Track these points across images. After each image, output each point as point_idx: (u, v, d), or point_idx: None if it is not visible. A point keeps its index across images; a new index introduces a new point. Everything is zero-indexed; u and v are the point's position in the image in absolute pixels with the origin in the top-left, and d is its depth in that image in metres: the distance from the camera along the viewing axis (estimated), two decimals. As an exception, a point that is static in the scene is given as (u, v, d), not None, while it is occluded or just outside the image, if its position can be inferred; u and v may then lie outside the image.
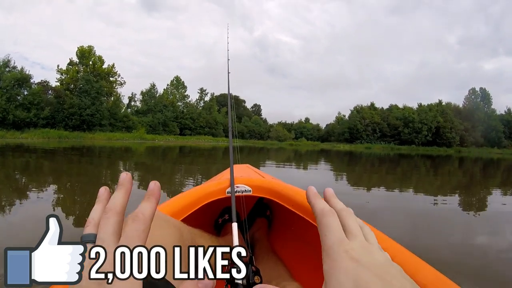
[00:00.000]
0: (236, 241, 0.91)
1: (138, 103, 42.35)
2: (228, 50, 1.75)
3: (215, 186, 1.18)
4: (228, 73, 1.67)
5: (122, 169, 7.13)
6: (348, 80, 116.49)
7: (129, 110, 40.97)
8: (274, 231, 1.48)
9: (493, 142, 46.52)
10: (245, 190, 1.19)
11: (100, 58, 35.96)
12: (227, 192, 1.17)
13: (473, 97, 50.51)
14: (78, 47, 35.01)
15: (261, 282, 0.81)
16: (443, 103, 49.17)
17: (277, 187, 1.19)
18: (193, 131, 40.79)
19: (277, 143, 46.78)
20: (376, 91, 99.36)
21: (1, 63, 28.06)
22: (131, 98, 42.97)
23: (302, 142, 48.19)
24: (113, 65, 37.04)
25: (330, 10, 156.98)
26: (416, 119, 45.53)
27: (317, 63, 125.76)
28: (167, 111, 38.55)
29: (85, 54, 34.78)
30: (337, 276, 0.31)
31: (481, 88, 50.79)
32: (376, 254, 0.34)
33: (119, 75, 38.50)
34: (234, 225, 0.97)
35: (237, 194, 1.17)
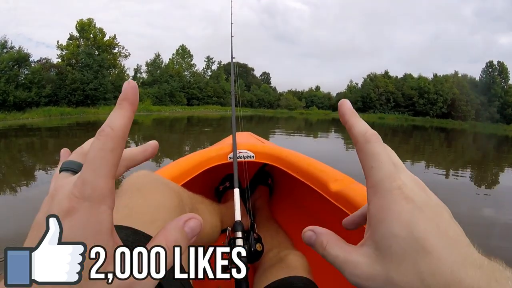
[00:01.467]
0: (237, 207, 0.91)
1: (144, 75, 42.04)
2: (231, 14, 1.72)
3: (216, 151, 1.16)
4: (232, 36, 1.65)
5: (130, 143, 7.24)
6: (358, 49, 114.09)
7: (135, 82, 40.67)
8: (275, 199, 1.48)
9: (509, 119, 45.25)
10: (248, 156, 1.18)
11: (101, 30, 35.20)
12: (229, 157, 1.15)
13: (490, 70, 48.72)
14: (77, 21, 34.21)
15: (263, 250, 0.85)
16: (459, 75, 47.62)
17: (280, 153, 1.18)
18: (201, 101, 40.61)
19: (287, 111, 46.44)
20: (388, 61, 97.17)
21: None
22: (136, 70, 42.62)
23: (313, 111, 47.74)
24: (115, 36, 36.20)
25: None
26: (432, 89, 44.29)
27: (327, 30, 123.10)
28: (173, 81, 38.24)
29: (84, 27, 34.06)
30: (389, 222, 0.25)
31: (498, 62, 48.78)
32: (428, 191, 0.29)
33: (123, 47, 38.01)
34: (236, 191, 0.97)
35: (239, 160, 1.15)
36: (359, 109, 46.15)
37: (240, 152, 1.16)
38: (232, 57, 1.70)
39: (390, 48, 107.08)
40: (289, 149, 1.24)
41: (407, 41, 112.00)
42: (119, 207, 0.56)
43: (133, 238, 0.50)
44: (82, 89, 29.57)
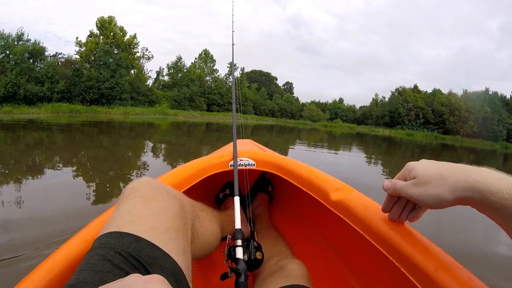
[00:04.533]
0: (238, 215, 0.93)
1: (166, 78, 42.76)
2: (233, 22, 1.76)
3: (217, 159, 1.18)
4: (233, 44, 1.69)
5: (148, 146, 7.36)
6: (382, 61, 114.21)
7: (156, 85, 41.43)
8: (275, 207, 1.50)
9: (544, 141, 43.43)
10: (249, 164, 1.20)
11: (121, 29, 35.32)
12: (230, 165, 1.17)
13: (523, 88, 46.77)
14: (98, 18, 34.34)
15: (262, 258, 0.87)
16: (490, 92, 46.13)
17: (281, 161, 1.20)
18: (221, 107, 40.92)
19: (310, 123, 46.23)
20: (412, 75, 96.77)
21: (14, 37, 27.65)
22: (159, 73, 43.42)
23: (337, 124, 47.34)
24: (135, 35, 36.51)
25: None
26: (463, 107, 43.35)
27: (351, 42, 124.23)
28: (194, 86, 38.72)
29: (105, 24, 34.19)
30: (426, 169, 0.58)
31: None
32: (440, 162, 0.58)
33: (146, 49, 38.85)
34: (236, 200, 0.99)
35: (240, 167, 1.18)
36: (386, 124, 45.50)
37: (241, 160, 1.19)
38: (233, 65, 1.75)
39: (414, 62, 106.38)
40: (292, 158, 1.25)
41: (431, 55, 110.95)
42: (122, 214, 0.58)
43: (135, 245, 0.51)
44: (97, 87, 29.57)
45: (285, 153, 7.51)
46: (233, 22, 1.76)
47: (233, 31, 1.72)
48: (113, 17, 34.74)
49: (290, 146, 9.29)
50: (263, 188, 1.48)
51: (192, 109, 36.83)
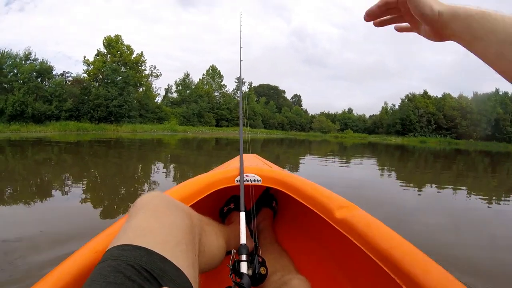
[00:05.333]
0: (243, 231, 0.94)
1: (174, 95, 43.21)
2: (241, 38, 1.79)
3: (224, 174, 1.21)
4: (241, 60, 1.73)
5: (157, 164, 7.41)
6: (388, 70, 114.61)
7: (165, 102, 41.89)
8: (279, 222, 1.51)
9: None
10: (255, 180, 1.22)
11: (128, 47, 35.77)
12: (236, 180, 1.19)
13: (534, 87, 45.99)
14: (105, 37, 34.79)
15: (266, 273, 0.88)
16: (500, 93, 45.15)
17: (287, 178, 1.22)
18: (230, 122, 41.12)
19: (320, 135, 46.12)
20: (419, 81, 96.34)
21: (22, 56, 28.19)
22: (167, 90, 43.97)
23: (348, 134, 47.11)
24: (142, 53, 36.94)
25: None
26: (475, 109, 42.76)
27: (356, 52, 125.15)
28: (202, 102, 39.04)
29: (112, 43, 34.63)
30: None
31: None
32: None
33: (154, 67, 39.41)
34: (242, 215, 1.00)
35: (246, 183, 1.19)
36: (398, 132, 45.13)
37: (247, 176, 1.21)
38: (240, 80, 1.77)
39: (420, 68, 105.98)
40: (298, 175, 1.28)
41: (437, 61, 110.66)
42: (133, 227, 0.60)
43: (147, 258, 0.53)
44: (105, 105, 29.85)
45: (296, 166, 7.50)
46: (241, 38, 1.79)
47: (241, 47, 1.75)
48: (120, 35, 35.29)
49: (301, 159, 9.27)
50: (267, 203, 1.49)
51: (201, 125, 37.05)
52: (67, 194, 3.63)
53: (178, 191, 1.07)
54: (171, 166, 6.60)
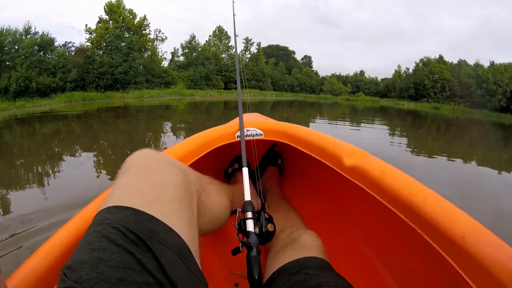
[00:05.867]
0: (247, 187, 0.90)
1: (181, 58, 42.52)
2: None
3: (223, 130, 1.14)
4: (234, 15, 1.67)
5: (167, 125, 7.44)
6: (403, 32, 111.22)
7: (172, 66, 41.18)
8: (286, 180, 1.47)
9: None
10: (256, 134, 1.16)
11: (131, 11, 34.72)
12: (237, 136, 1.13)
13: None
14: (106, 3, 33.65)
15: (274, 230, 0.85)
16: None
17: (291, 130, 1.15)
18: (244, 83, 40.56)
19: (331, 97, 45.53)
20: (435, 46, 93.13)
21: (21, 31, 27.52)
22: (174, 54, 43.21)
23: (359, 97, 46.38)
24: (145, 17, 35.84)
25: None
26: (491, 79, 41.39)
27: (370, 13, 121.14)
28: (210, 64, 38.51)
29: (113, 8, 33.59)
30: None
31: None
32: None
33: (159, 31, 38.64)
34: (245, 171, 0.95)
35: (247, 138, 1.13)
36: (411, 97, 44.35)
37: (248, 130, 1.15)
38: (235, 36, 1.71)
39: (437, 32, 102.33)
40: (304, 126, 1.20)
41: (454, 26, 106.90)
42: (120, 187, 0.56)
43: (134, 218, 0.49)
44: (110, 73, 29.41)
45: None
46: (234, 2, 1.73)
47: (233, 1, 1.70)
48: (121, 0, 34.23)
49: (311, 123, 9.22)
50: (272, 161, 1.45)
51: (209, 88, 36.72)
52: (78, 165, 3.68)
53: (175, 150, 1.00)
54: (181, 133, 6.62)
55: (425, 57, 46.35)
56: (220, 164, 1.38)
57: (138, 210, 0.50)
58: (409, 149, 5.70)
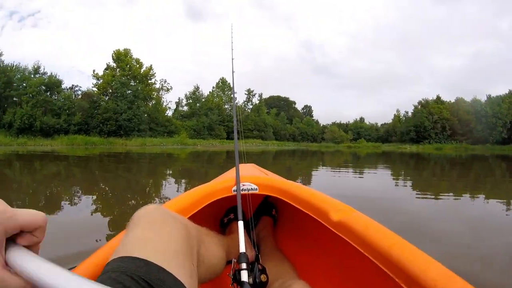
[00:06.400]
0: (242, 239, 0.96)
1: (185, 108, 43.46)
2: (232, 49, 1.85)
3: (221, 184, 1.23)
4: (233, 72, 1.77)
5: (168, 176, 7.45)
6: (398, 77, 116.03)
7: (175, 115, 42.13)
8: (279, 230, 1.53)
9: None
10: (252, 189, 1.25)
11: (137, 61, 35.97)
12: (233, 190, 1.22)
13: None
14: (114, 50, 34.99)
15: (267, 280, 0.89)
16: None
17: (284, 186, 1.24)
18: (240, 135, 41.01)
19: (333, 145, 45.89)
20: (430, 88, 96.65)
21: (30, 70, 28.67)
22: (178, 103, 44.33)
23: (361, 144, 46.75)
24: (151, 67, 37.17)
25: (374, 4, 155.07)
26: (489, 112, 42.01)
27: (364, 60, 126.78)
28: (213, 114, 39.23)
29: (121, 57, 34.81)
30: None
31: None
32: None
33: (165, 81, 39.87)
34: (240, 224, 1.02)
35: (243, 192, 1.22)
36: (412, 140, 44.68)
37: (243, 185, 1.24)
38: (233, 90, 1.82)
39: (431, 74, 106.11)
40: (295, 182, 1.30)
41: (447, 66, 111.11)
42: (131, 239, 0.62)
43: (145, 269, 0.54)
44: (115, 119, 29.95)
45: (308, 179, 7.46)
46: (232, 50, 1.86)
47: (232, 58, 1.81)
48: (129, 49, 35.49)
49: (314, 172, 9.24)
50: (267, 211, 1.51)
51: (212, 138, 37.14)
52: (77, 207, 3.67)
53: (176, 203, 1.10)
54: (183, 180, 6.63)
55: (423, 99, 47.38)
56: (216, 213, 1.46)
57: (149, 261, 0.55)
58: (415, 192, 5.67)
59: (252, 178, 1.28)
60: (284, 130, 49.64)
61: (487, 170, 10.88)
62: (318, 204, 1.07)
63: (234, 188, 1.21)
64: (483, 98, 45.83)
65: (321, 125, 57.95)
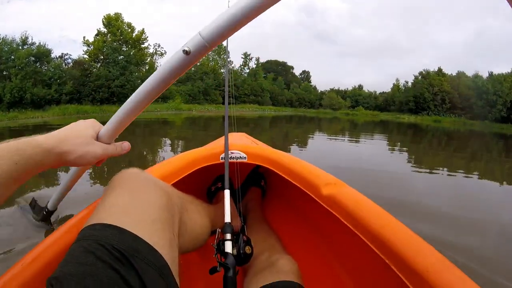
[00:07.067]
0: (228, 209, 0.95)
1: (180, 72, 42.79)
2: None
3: (208, 151, 1.21)
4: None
5: (165, 141, 7.44)
6: (399, 47, 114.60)
7: (170, 80, 41.45)
8: (268, 202, 1.51)
9: None
10: (240, 157, 1.23)
11: (129, 25, 34.79)
12: (221, 158, 1.20)
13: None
14: (104, 15, 33.79)
15: (252, 252, 0.88)
16: None
17: (273, 155, 1.22)
18: (237, 100, 40.89)
19: (330, 112, 45.81)
20: (431, 60, 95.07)
21: (18, 41, 27.63)
22: (172, 68, 43.61)
23: (359, 111, 46.69)
24: (143, 30, 35.88)
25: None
26: (491, 90, 41.72)
27: (366, 28, 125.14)
28: (208, 79, 38.73)
29: (111, 21, 33.69)
30: None
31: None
32: None
33: (158, 45, 38.97)
34: (227, 193, 1.01)
35: (231, 160, 1.20)
36: (411, 110, 44.63)
37: (232, 153, 1.21)
38: (226, 67, 1.75)
39: (432, 46, 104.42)
40: (287, 152, 1.27)
41: (449, 38, 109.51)
42: (106, 206, 0.60)
43: (119, 237, 0.52)
44: (107, 86, 29.38)
45: (304, 144, 7.47)
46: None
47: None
48: (120, 13, 34.26)
49: (310, 139, 9.24)
50: (255, 182, 1.49)
51: (208, 103, 36.85)
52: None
53: (159, 169, 1.06)
54: (179, 148, 6.62)
55: (424, 70, 46.71)
56: (203, 182, 1.44)
57: (123, 229, 0.53)
58: (410, 164, 5.70)
59: (241, 146, 1.26)
60: (281, 95, 49.25)
61: (485, 147, 10.96)
62: (309, 176, 1.05)
63: (222, 155, 1.20)
64: (485, 75, 45.41)
65: (319, 91, 57.51)
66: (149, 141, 7.39)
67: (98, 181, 3.34)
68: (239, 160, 1.22)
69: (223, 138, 1.36)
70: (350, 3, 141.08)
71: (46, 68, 28.28)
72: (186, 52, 0.57)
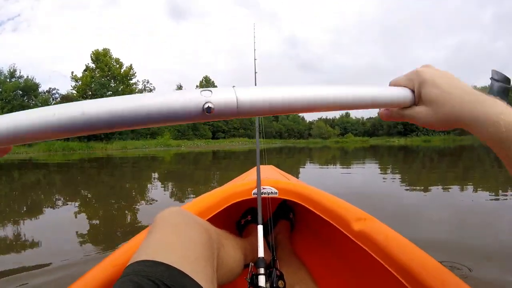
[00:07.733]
0: (261, 244, 0.96)
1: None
2: (255, 50, 1.82)
3: (241, 187, 1.25)
4: (255, 72, 1.74)
5: (155, 181, 7.39)
6: (382, 70, 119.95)
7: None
8: (296, 234, 1.52)
9: None
10: (272, 192, 1.25)
11: (117, 60, 35.30)
12: (253, 193, 1.23)
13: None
14: (92, 51, 34.12)
15: (284, 287, 0.89)
16: None
17: (304, 191, 1.23)
18: (226, 134, 41.12)
19: (320, 141, 46.19)
20: None
21: (6, 74, 27.87)
22: (162, 104, 43.97)
23: (349, 139, 47.25)
24: (131, 66, 36.48)
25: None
26: (476, 103, 42.68)
27: (348, 55, 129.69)
28: (197, 113, 38.94)
29: (99, 57, 34.14)
30: (429, 87, 0.52)
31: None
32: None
33: (147, 81, 39.38)
34: (260, 228, 1.03)
35: (263, 196, 1.22)
36: (400, 133, 45.31)
37: (264, 188, 1.24)
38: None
39: (414, 64, 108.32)
40: (315, 187, 1.29)
41: (430, 57, 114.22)
42: (153, 243, 0.62)
43: (168, 274, 0.54)
44: (94, 122, 29.40)
45: (296, 175, 7.48)
46: (255, 50, 1.82)
47: (255, 59, 1.79)
48: (108, 49, 34.65)
49: (301, 168, 9.26)
50: (284, 214, 1.50)
51: (197, 138, 36.95)
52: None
53: (196, 205, 1.11)
54: (170, 184, 6.57)
55: (409, 91, 47.75)
56: (233, 215, 1.46)
57: (171, 266, 0.55)
58: (404, 185, 5.73)
59: (272, 181, 1.29)
60: (270, 127, 49.74)
61: (476, 160, 11.09)
62: (339, 211, 1.07)
63: (254, 191, 1.23)
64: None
65: (308, 121, 58.26)
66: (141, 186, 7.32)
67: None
68: (270, 196, 1.25)
69: (253, 171, 1.43)
70: (332, 33, 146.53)
71: (33, 102, 28.41)
72: (207, 110, 0.40)
